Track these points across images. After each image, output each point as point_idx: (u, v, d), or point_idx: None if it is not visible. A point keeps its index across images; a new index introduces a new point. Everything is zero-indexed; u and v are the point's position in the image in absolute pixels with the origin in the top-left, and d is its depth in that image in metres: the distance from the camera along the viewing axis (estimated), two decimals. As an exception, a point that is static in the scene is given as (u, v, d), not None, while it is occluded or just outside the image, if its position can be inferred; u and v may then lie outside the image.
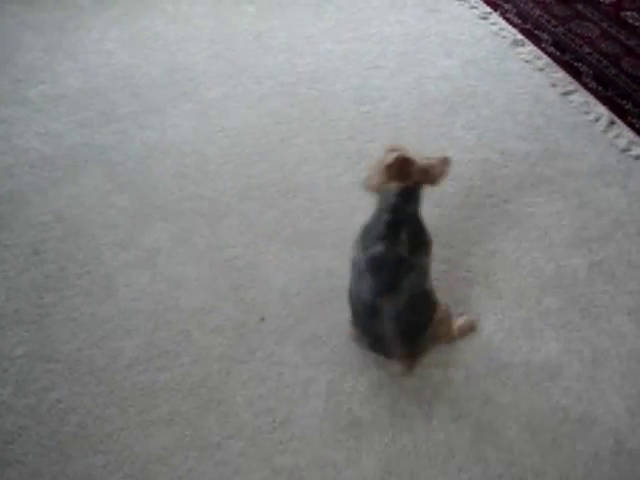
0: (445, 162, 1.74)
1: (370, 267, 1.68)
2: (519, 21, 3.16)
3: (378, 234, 1.69)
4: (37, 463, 1.66)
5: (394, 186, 1.68)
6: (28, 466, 1.65)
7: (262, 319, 1.93)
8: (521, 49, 2.98)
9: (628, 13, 3.20)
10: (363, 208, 2.21)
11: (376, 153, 1.73)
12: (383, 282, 1.67)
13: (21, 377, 1.82)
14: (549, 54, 2.95)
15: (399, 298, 1.66)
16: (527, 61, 2.91)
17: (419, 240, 1.74)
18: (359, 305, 1.74)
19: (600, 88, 2.77)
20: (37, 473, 1.64)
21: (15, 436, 1.70)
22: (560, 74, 2.84)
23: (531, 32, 3.08)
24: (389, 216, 1.68)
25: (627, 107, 2.67)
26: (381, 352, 1.80)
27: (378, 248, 1.67)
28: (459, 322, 1.90)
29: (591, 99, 2.71)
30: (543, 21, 3.15)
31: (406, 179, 1.67)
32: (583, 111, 2.65)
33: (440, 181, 1.74)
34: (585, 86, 2.78)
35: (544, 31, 3.09)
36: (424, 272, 1.75)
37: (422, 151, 1.73)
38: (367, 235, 1.73)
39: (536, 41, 3.02)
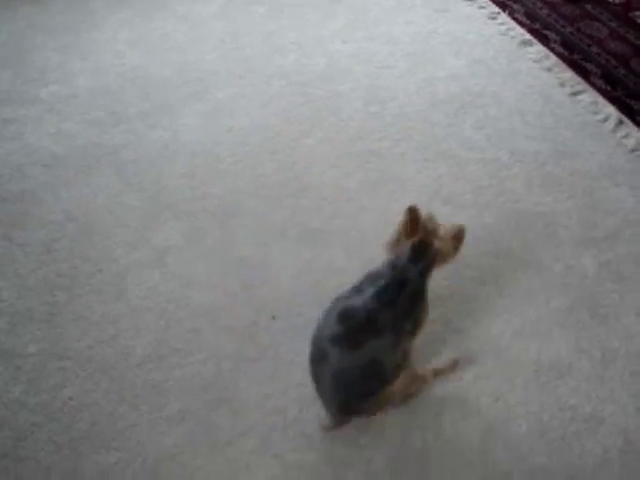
0: (458, 233, 1.68)
1: (341, 314, 1.59)
2: (527, 21, 3.16)
3: (372, 286, 1.60)
4: (49, 459, 1.67)
5: (407, 247, 1.61)
6: (40, 462, 1.66)
7: (273, 317, 1.94)
8: (530, 49, 2.98)
9: (637, 13, 3.20)
10: (372, 208, 2.25)
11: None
12: (345, 334, 1.56)
13: (33, 375, 1.84)
14: (558, 54, 2.95)
15: (352, 356, 1.57)
16: (536, 61, 2.92)
17: (410, 311, 1.64)
18: (313, 344, 1.63)
19: (609, 88, 2.77)
20: (49, 469, 1.65)
21: (28, 433, 1.72)
22: (569, 74, 2.85)
23: (540, 32, 3.09)
24: (391, 274, 1.60)
25: (636, 107, 2.68)
26: (320, 399, 1.69)
27: (359, 300, 1.59)
28: (438, 366, 1.83)
29: (600, 99, 2.72)
30: (552, 21, 3.16)
31: (414, 231, 1.60)
32: (592, 111, 2.66)
33: (451, 257, 1.69)
34: (594, 86, 2.78)
35: (553, 31, 3.10)
36: (395, 346, 1.63)
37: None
38: (366, 282, 1.63)
39: (545, 41, 3.03)
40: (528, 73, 2.85)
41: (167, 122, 2.61)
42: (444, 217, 2.20)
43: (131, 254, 2.13)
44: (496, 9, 3.23)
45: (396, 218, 2.20)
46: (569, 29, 3.10)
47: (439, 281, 2.03)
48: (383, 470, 1.65)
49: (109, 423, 1.74)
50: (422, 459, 1.67)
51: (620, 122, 2.60)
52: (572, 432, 1.72)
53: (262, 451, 1.68)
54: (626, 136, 2.54)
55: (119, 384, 1.81)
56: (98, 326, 1.94)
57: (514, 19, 3.17)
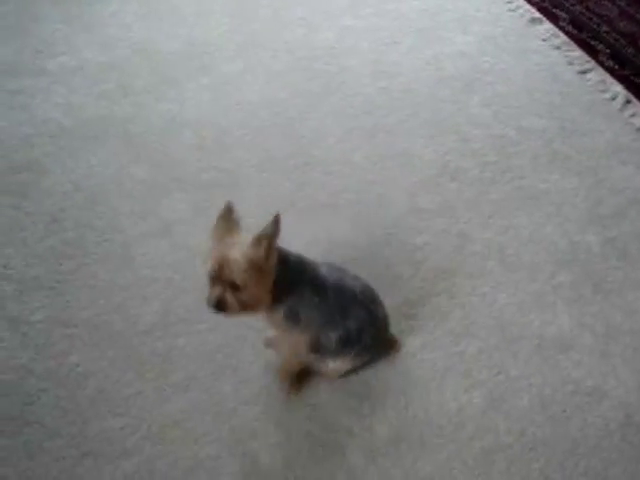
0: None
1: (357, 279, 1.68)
2: (537, -1, 3.15)
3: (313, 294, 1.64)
4: (56, 424, 1.69)
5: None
6: (47, 427, 1.68)
7: (278, 288, 1.95)
8: (539, 27, 2.97)
9: (647, -8, 3.18)
10: (379, 183, 2.25)
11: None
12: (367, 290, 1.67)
13: (41, 341, 1.85)
14: (566, 32, 2.94)
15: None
16: (544, 39, 2.91)
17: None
18: (359, 320, 1.63)
19: (617, 67, 2.76)
20: (56, 433, 1.67)
21: (35, 398, 1.74)
22: (577, 52, 2.84)
23: (549, 10, 3.08)
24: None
25: (644, 86, 2.67)
26: (379, 349, 1.78)
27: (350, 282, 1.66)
28: None
29: (608, 78, 2.71)
30: (561, -1, 3.14)
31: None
32: (599, 89, 2.66)
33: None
34: (602, 65, 2.77)
35: (562, 9, 3.08)
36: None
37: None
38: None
39: (554, 19, 3.02)
40: (537, 51, 2.85)
41: (175, 95, 2.61)
42: (451, 193, 2.22)
43: (138, 225, 2.13)
44: (505, -13, 3.22)
45: (403, 193, 2.22)
46: (578, 8, 3.09)
47: (444, 255, 2.05)
48: (386, 439, 1.67)
49: (115, 390, 1.75)
50: (424, 429, 1.69)
51: (628, 101, 2.60)
52: (574, 405, 1.74)
53: (266, 419, 1.70)
54: (633, 115, 2.54)
55: (125, 352, 1.83)
56: (104, 295, 1.95)
57: (523, -3, 3.16)
